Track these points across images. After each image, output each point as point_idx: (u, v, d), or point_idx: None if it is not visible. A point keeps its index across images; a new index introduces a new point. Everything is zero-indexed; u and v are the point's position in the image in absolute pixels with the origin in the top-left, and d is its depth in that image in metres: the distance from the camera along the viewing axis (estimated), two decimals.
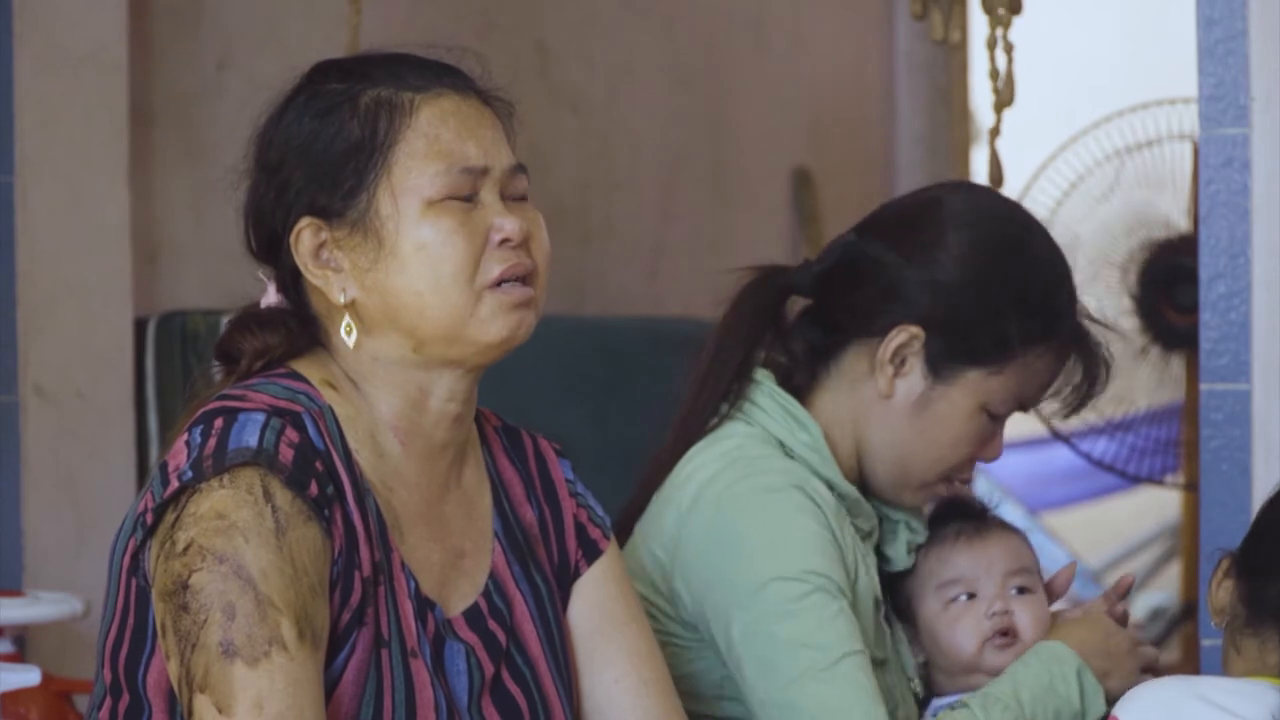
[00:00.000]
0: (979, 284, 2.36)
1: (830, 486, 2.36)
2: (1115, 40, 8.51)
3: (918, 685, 2.46)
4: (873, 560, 2.41)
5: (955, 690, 2.42)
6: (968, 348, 2.36)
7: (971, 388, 2.37)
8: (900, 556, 2.45)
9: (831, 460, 2.37)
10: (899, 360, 2.37)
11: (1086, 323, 2.42)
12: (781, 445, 2.37)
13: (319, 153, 2.00)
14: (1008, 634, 2.38)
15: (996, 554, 2.42)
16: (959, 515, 2.47)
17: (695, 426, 2.41)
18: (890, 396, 2.37)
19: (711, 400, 2.41)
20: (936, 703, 2.43)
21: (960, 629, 2.40)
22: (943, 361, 2.36)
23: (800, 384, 2.42)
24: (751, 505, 2.31)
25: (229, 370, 2.04)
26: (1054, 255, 2.42)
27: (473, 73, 2.07)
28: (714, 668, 2.35)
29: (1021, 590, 2.41)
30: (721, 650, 2.31)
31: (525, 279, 2.01)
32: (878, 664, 2.35)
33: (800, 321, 2.45)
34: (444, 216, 1.98)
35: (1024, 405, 2.42)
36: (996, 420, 2.40)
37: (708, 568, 2.31)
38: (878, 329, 2.37)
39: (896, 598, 2.47)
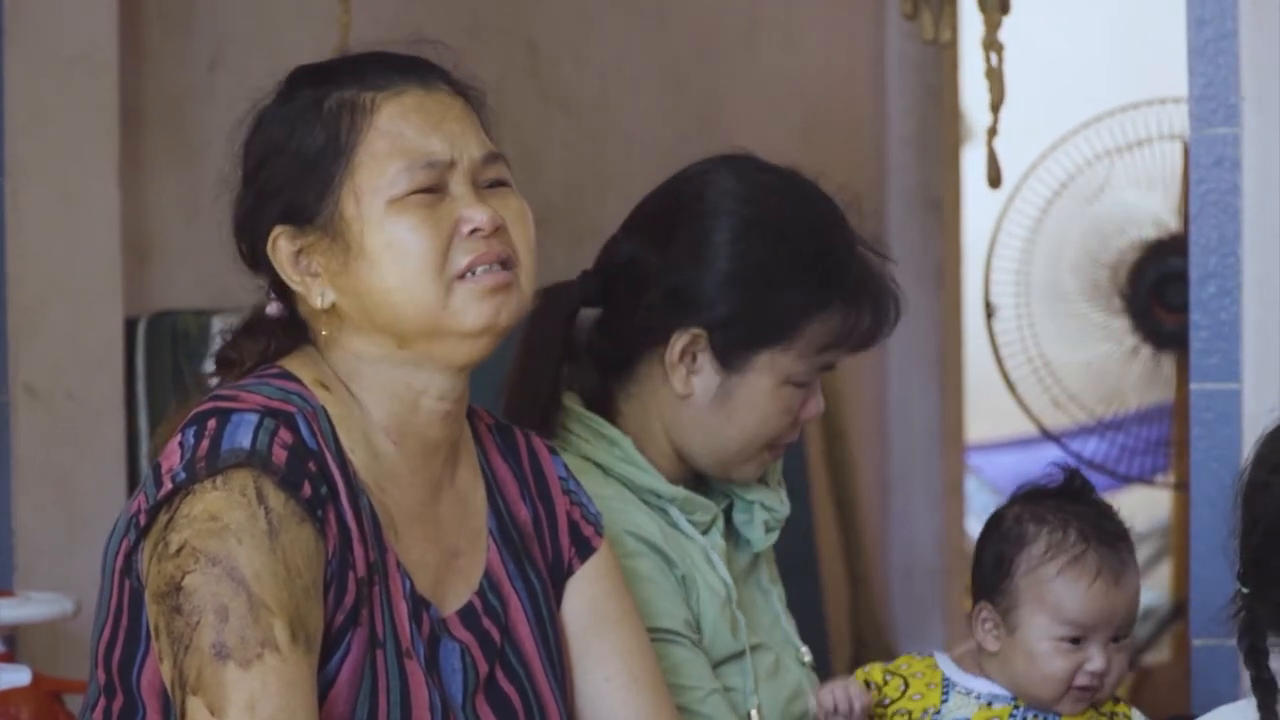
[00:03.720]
0: (748, 275, 2.36)
1: (657, 494, 2.37)
2: (1105, 40, 8.52)
3: (805, 653, 2.46)
4: (716, 554, 2.40)
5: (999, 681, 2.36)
6: (752, 335, 2.36)
7: (767, 367, 2.37)
8: (759, 538, 2.46)
9: (649, 468, 2.38)
10: (689, 359, 2.37)
11: (868, 262, 2.41)
12: (600, 467, 2.37)
13: (288, 159, 2.00)
14: (1093, 689, 2.32)
15: (1122, 608, 2.30)
16: (1110, 538, 2.31)
17: None
18: (689, 396, 2.38)
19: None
20: (971, 681, 2.35)
21: (1057, 671, 2.31)
22: (731, 353, 2.36)
23: (604, 399, 2.42)
24: None
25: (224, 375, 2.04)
26: (821, 217, 2.42)
27: (444, 64, 2.06)
28: None
29: (1117, 639, 2.31)
30: None
31: (505, 264, 2.00)
32: (738, 656, 2.36)
33: (593, 334, 2.44)
34: (406, 213, 1.98)
35: (827, 365, 2.41)
36: (802, 387, 2.40)
37: None
38: (660, 335, 2.37)
39: (997, 596, 2.33)
